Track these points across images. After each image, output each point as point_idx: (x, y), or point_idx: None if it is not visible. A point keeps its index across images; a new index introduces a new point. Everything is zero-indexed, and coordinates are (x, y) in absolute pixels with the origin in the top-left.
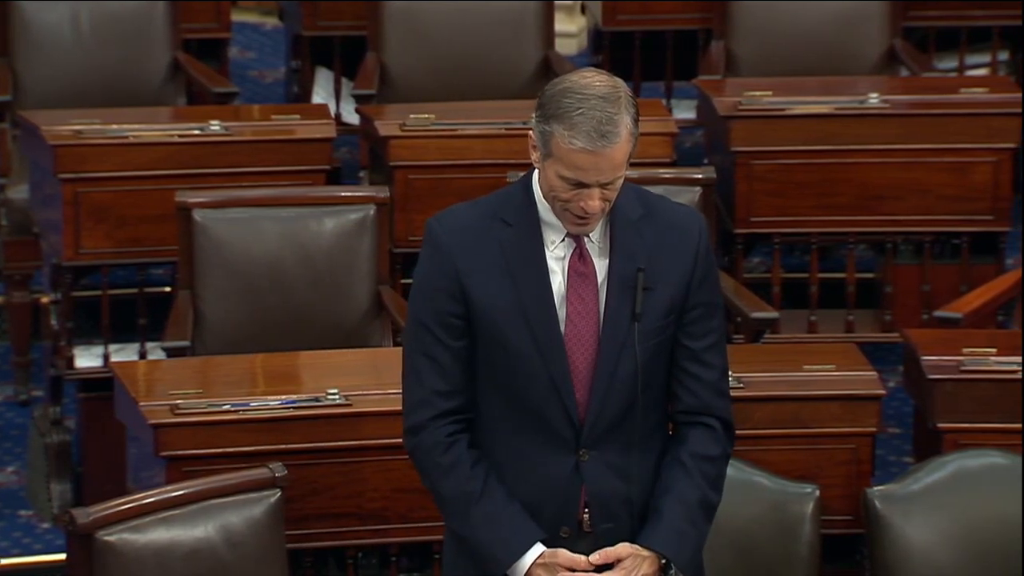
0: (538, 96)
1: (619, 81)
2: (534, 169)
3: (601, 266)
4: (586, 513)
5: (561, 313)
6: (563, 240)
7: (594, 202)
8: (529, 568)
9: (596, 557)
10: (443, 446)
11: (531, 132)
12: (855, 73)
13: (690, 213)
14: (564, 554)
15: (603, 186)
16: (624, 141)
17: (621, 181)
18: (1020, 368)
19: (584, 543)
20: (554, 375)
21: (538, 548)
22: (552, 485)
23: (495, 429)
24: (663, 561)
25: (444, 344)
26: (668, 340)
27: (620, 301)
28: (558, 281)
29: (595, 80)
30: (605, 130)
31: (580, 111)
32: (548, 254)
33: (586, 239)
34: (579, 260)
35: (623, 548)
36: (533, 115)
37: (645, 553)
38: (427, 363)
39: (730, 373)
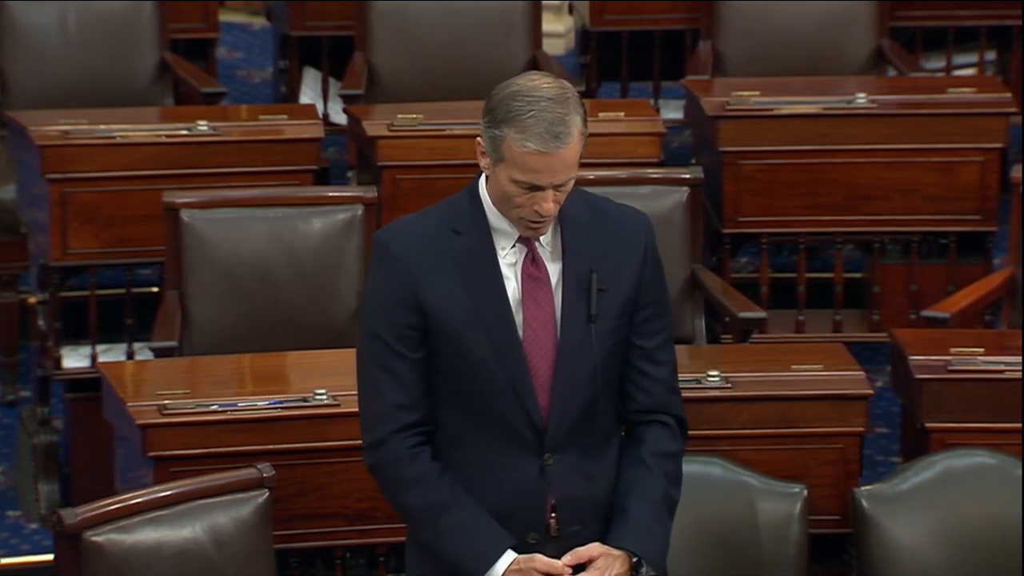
0: (485, 102)
1: (565, 82)
2: (480, 176)
3: (554, 269)
4: (553, 517)
5: (518, 319)
6: (514, 246)
7: (548, 204)
8: (503, 575)
9: (568, 559)
10: (407, 459)
11: (479, 139)
12: (843, 73)
13: (635, 213)
14: (540, 559)
15: (556, 187)
16: (576, 141)
17: (573, 182)
18: (1007, 368)
19: (552, 547)
20: (514, 381)
21: (509, 555)
22: (519, 491)
23: (458, 439)
24: (634, 559)
25: (402, 356)
26: (622, 341)
27: (575, 303)
28: (512, 287)
29: (543, 83)
30: (557, 131)
31: (531, 114)
32: (500, 260)
33: (537, 243)
34: (532, 265)
35: (594, 548)
36: (482, 121)
37: (616, 553)
38: (385, 376)
39: (718, 372)
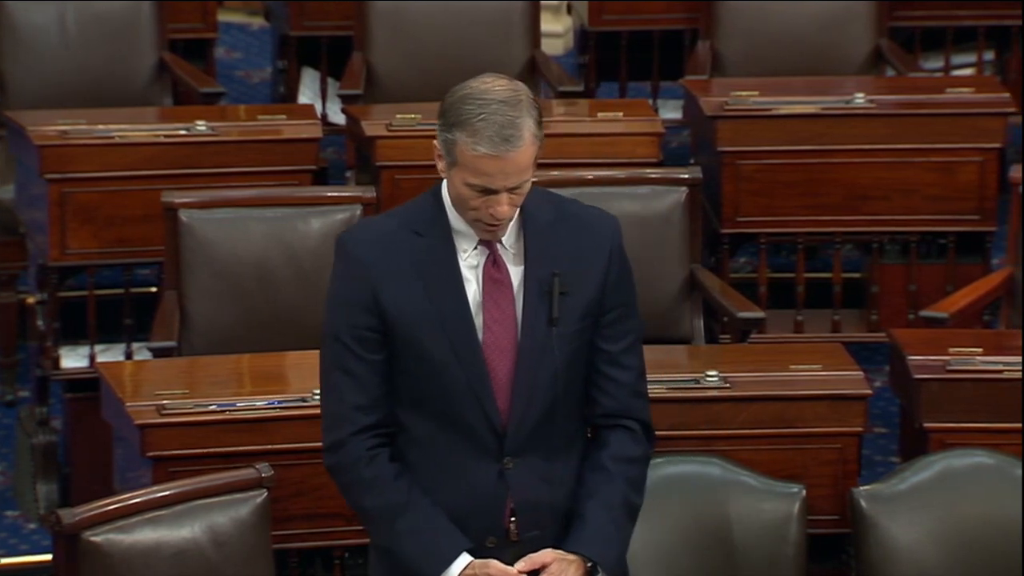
0: (439, 104)
1: (520, 85)
2: (443, 180)
3: (516, 272)
4: (512, 522)
5: (478, 321)
6: (476, 248)
7: (503, 207)
8: None
9: (522, 564)
10: (365, 460)
11: (435, 142)
12: (841, 73)
13: (602, 215)
14: (495, 565)
15: (511, 191)
16: (528, 144)
17: (529, 185)
18: (1005, 368)
19: (510, 552)
20: (474, 384)
21: (465, 558)
22: (478, 495)
23: (418, 441)
24: (589, 565)
25: (362, 358)
26: (585, 344)
27: (537, 307)
28: (473, 289)
29: (495, 85)
30: (507, 134)
31: (481, 117)
32: (462, 263)
33: (499, 245)
34: (493, 267)
35: (548, 554)
36: (437, 124)
37: (571, 558)
38: (344, 378)
39: (717, 372)
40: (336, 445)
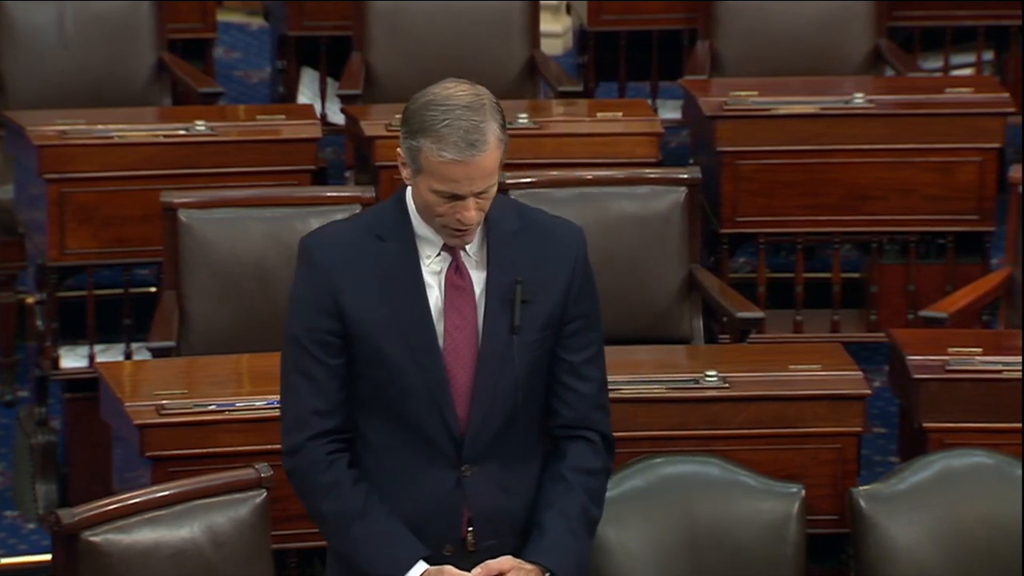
0: (402, 112)
1: (482, 89)
2: (406, 186)
3: (479, 279)
4: (470, 530)
5: (439, 327)
6: (439, 254)
7: (470, 212)
8: None
9: (478, 571)
10: (323, 465)
11: (399, 150)
12: (840, 73)
13: (567, 225)
14: (450, 571)
15: (477, 195)
16: (493, 148)
17: (495, 189)
18: (1005, 368)
19: (467, 560)
20: (433, 390)
21: (421, 566)
22: (435, 502)
23: (376, 447)
24: (547, 575)
25: (321, 362)
26: (547, 353)
27: (499, 314)
28: (435, 295)
29: (457, 90)
30: (473, 139)
31: (446, 122)
32: (424, 268)
33: (463, 252)
34: (456, 274)
35: (505, 562)
36: (399, 132)
37: (528, 567)
38: (304, 382)
39: (716, 372)
40: (294, 449)
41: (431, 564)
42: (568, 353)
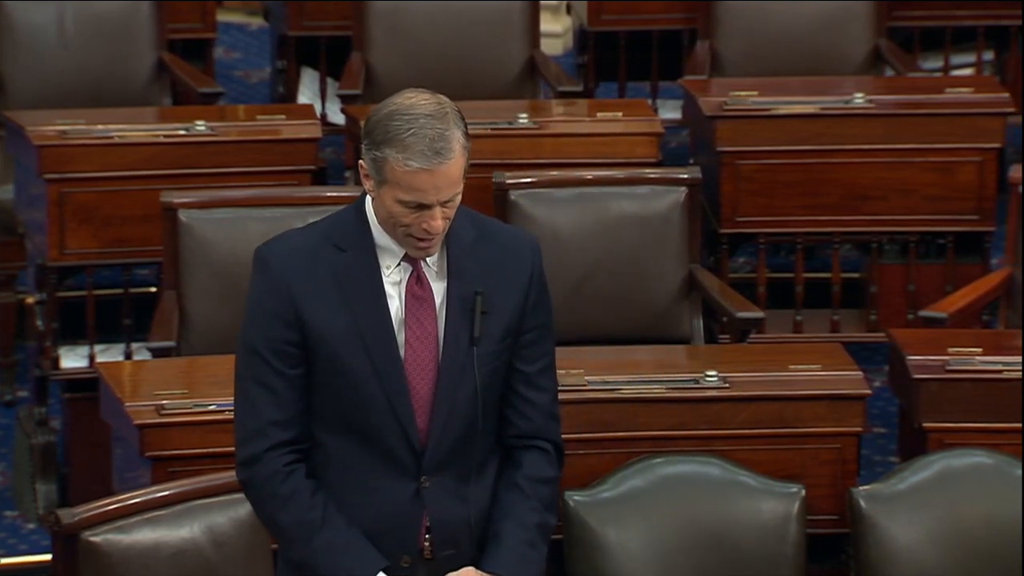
0: (363, 124)
1: (443, 98)
2: (365, 195)
3: (439, 290)
4: (427, 540)
5: (400, 338)
6: (399, 264)
7: (436, 221)
8: None
9: None
10: (281, 476)
11: (361, 162)
12: (840, 73)
13: (522, 235)
14: None
15: (443, 204)
16: (458, 156)
17: (459, 197)
18: (1004, 368)
19: (425, 570)
20: (393, 401)
21: None
22: (393, 512)
23: (334, 458)
24: None
25: (279, 372)
26: (504, 364)
27: (459, 325)
28: (395, 306)
29: (419, 100)
30: (438, 147)
31: (411, 131)
32: (384, 279)
33: (423, 263)
34: (416, 284)
35: (466, 573)
36: (362, 144)
37: None
38: (261, 392)
39: (716, 372)
40: (251, 460)
41: (389, 575)
42: (523, 364)
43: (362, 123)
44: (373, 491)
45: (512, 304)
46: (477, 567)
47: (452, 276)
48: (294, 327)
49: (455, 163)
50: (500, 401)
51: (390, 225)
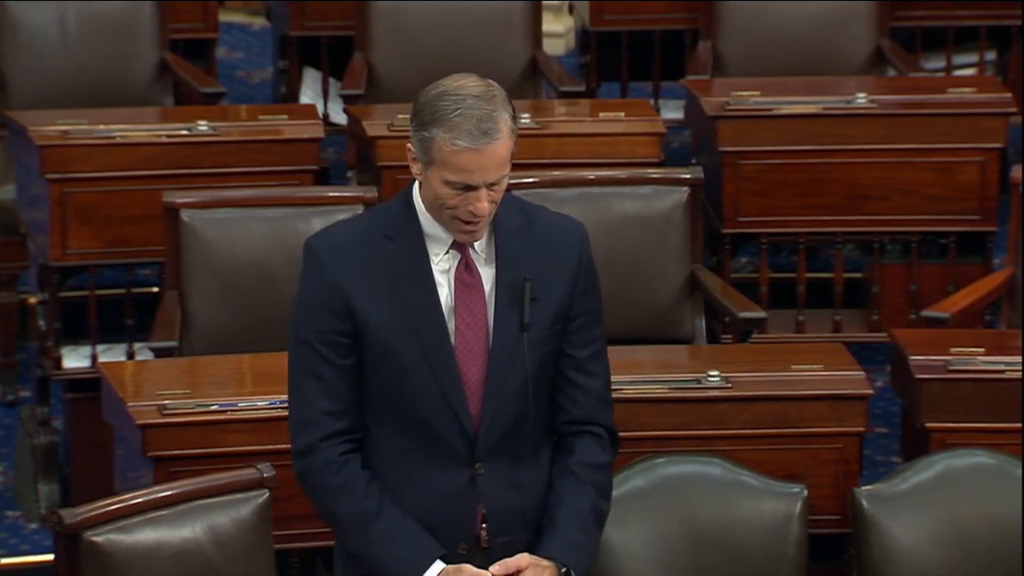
0: (412, 105)
1: (492, 82)
2: (414, 182)
3: (487, 276)
4: (484, 528)
5: (449, 325)
6: (447, 252)
7: (482, 204)
8: None
9: (496, 569)
10: (336, 466)
11: (408, 144)
12: (842, 73)
13: (570, 222)
14: (469, 569)
15: (490, 186)
16: (506, 137)
17: (506, 181)
18: (1006, 368)
19: (481, 557)
20: (446, 388)
21: (438, 565)
22: (448, 501)
23: (387, 448)
24: (563, 571)
25: (331, 363)
26: (554, 350)
27: (508, 311)
28: (445, 293)
29: (468, 82)
30: (486, 127)
31: (458, 112)
32: (433, 266)
33: (471, 250)
34: (465, 271)
35: (522, 559)
36: (409, 126)
37: (545, 563)
38: (314, 383)
39: (718, 372)
40: (306, 450)
41: (447, 563)
42: (573, 349)
43: (411, 106)
44: (427, 480)
45: (560, 290)
46: (532, 553)
47: (500, 263)
48: (344, 317)
49: (502, 144)
50: (551, 387)
51: (437, 208)
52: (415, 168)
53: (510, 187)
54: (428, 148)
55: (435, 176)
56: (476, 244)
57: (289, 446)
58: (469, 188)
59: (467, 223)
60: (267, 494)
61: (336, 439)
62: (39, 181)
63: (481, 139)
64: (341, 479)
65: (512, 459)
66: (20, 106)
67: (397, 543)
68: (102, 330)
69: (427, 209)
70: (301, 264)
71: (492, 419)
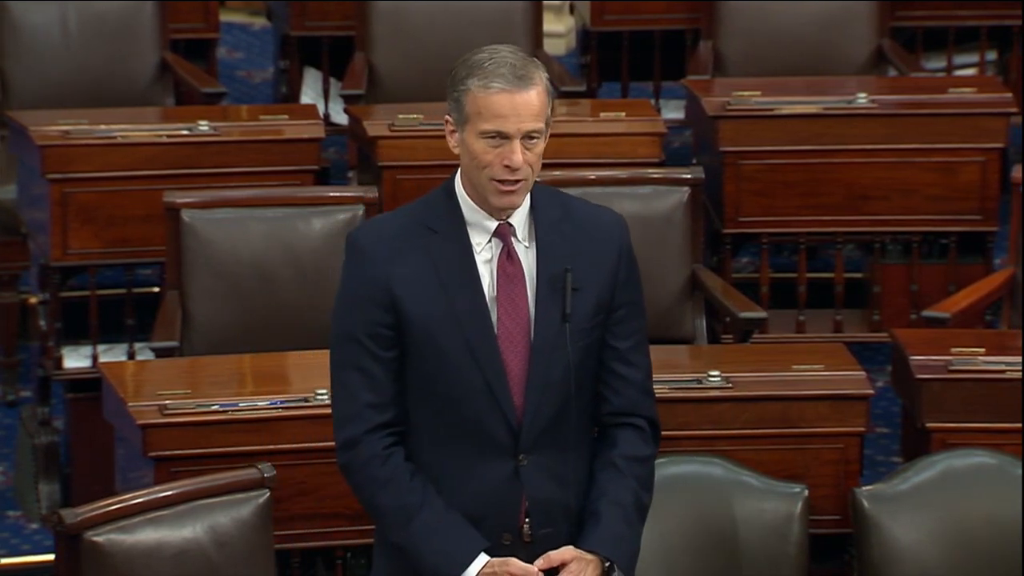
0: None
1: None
2: (455, 173)
3: (528, 267)
4: (527, 520)
5: (492, 316)
6: (489, 242)
7: (517, 155)
8: None
9: (541, 562)
10: (380, 459)
11: (447, 117)
12: (843, 73)
13: (610, 214)
14: (514, 563)
15: (524, 139)
16: (540, 89)
17: (542, 144)
18: (1007, 368)
19: (524, 550)
20: (490, 380)
21: (483, 558)
22: (492, 493)
23: (430, 440)
24: (606, 564)
25: (374, 355)
26: (596, 341)
27: (549, 302)
28: (487, 283)
29: (504, 47)
30: (520, 73)
31: (493, 60)
32: (476, 257)
33: (513, 239)
34: (507, 260)
35: (567, 552)
36: (447, 95)
37: (589, 557)
38: (358, 376)
39: (719, 372)
40: (350, 443)
41: (491, 555)
42: (615, 340)
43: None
44: (471, 472)
45: (602, 280)
46: (576, 546)
47: (541, 253)
48: (388, 310)
49: (536, 93)
50: (594, 379)
51: (473, 171)
52: (452, 141)
53: None
54: (462, 103)
55: (471, 134)
56: (517, 232)
57: (289, 446)
58: (503, 137)
59: (504, 184)
60: (268, 494)
61: (380, 432)
62: (40, 181)
63: (515, 82)
64: (386, 472)
65: (555, 451)
66: (21, 106)
67: (441, 536)
68: (103, 330)
69: (465, 186)
70: (344, 258)
71: (535, 410)
